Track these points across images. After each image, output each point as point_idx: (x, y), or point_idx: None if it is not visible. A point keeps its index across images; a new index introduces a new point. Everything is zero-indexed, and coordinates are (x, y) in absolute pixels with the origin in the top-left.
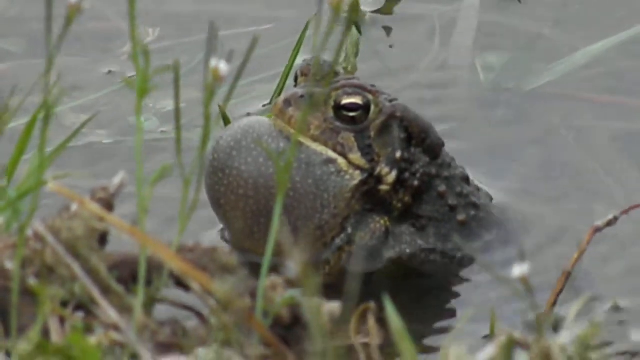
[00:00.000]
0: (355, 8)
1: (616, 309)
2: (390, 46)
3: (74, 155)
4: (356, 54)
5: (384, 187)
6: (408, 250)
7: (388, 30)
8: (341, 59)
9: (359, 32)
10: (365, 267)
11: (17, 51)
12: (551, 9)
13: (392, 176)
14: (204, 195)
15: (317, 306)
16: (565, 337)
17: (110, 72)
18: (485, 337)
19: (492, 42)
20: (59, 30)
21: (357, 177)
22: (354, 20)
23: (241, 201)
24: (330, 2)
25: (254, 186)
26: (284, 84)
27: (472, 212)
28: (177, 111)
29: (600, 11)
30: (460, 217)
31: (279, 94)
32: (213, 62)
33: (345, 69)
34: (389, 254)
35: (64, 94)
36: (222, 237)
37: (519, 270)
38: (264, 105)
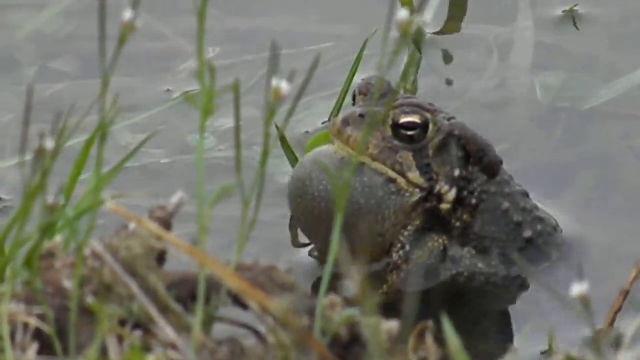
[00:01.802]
0: (418, 30)
1: None
2: (449, 61)
3: (131, 175)
4: (415, 74)
5: (444, 206)
6: (466, 274)
7: (446, 50)
8: (400, 79)
9: (419, 52)
10: (423, 286)
11: (71, 71)
12: (608, 29)
13: (452, 194)
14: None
15: (375, 325)
16: (624, 356)
17: (168, 90)
18: (543, 354)
19: (550, 63)
20: (114, 50)
21: (417, 194)
22: (418, 41)
23: (316, 222)
24: (400, 24)
25: (326, 209)
26: (342, 102)
27: (539, 227)
28: (237, 130)
29: None
30: (527, 233)
31: (337, 113)
32: (274, 82)
33: (404, 88)
34: (446, 276)
35: (119, 114)
36: (310, 254)
37: (578, 289)
38: (322, 123)
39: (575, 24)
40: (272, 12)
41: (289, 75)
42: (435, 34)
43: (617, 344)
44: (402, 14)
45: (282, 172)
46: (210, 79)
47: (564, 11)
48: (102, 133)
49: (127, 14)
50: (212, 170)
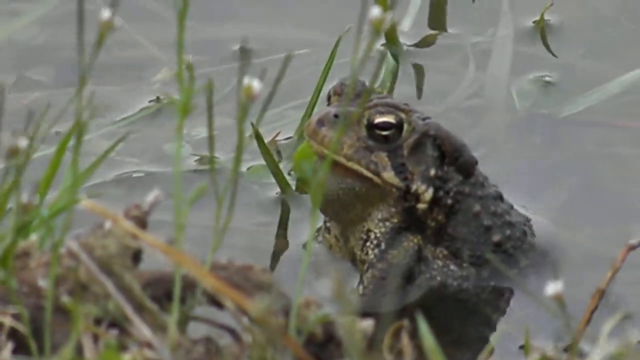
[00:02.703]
0: (393, 39)
1: None
2: (426, 71)
3: (106, 185)
4: (393, 82)
5: (421, 206)
6: (439, 278)
7: (424, 60)
8: (377, 85)
9: (397, 61)
10: (398, 287)
11: (46, 80)
12: (584, 38)
13: (428, 194)
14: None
15: (351, 324)
16: (597, 355)
17: (151, 101)
18: (518, 355)
19: (527, 71)
20: (91, 57)
21: (395, 193)
22: (392, 48)
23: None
24: (372, 22)
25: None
26: (313, 108)
27: (508, 232)
28: (211, 127)
29: (634, 39)
30: (496, 237)
31: (310, 115)
32: (246, 80)
33: (380, 93)
34: (420, 279)
35: (95, 113)
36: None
37: (553, 288)
38: (286, 139)
39: (543, 35)
40: (247, 19)
41: (261, 74)
42: (413, 45)
43: (593, 343)
44: (375, 11)
45: (262, 182)
46: (190, 79)
47: (534, 22)
48: (78, 129)
49: (105, 14)
50: (188, 179)
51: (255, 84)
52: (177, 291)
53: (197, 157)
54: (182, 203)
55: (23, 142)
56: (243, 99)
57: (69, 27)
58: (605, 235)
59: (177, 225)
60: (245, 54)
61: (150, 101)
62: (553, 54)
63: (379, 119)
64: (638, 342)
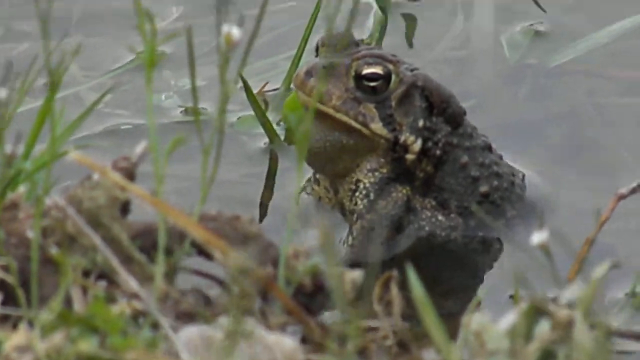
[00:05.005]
0: None
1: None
2: (414, 23)
3: (96, 139)
4: (381, 33)
5: (410, 156)
6: (427, 228)
7: (413, 10)
8: (366, 37)
9: (385, 13)
10: (387, 238)
11: (34, 32)
12: None
13: (417, 144)
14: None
15: (339, 274)
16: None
17: (141, 52)
18: (508, 303)
19: (517, 20)
20: (78, 12)
21: (384, 144)
22: (383, 6)
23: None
24: None
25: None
26: (300, 59)
27: (495, 182)
28: (194, 87)
29: None
30: (483, 188)
31: (296, 67)
32: (225, 28)
33: (368, 44)
34: (409, 230)
35: (86, 74)
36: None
37: (538, 237)
38: (274, 90)
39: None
40: None
41: (239, 20)
42: None
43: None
44: None
45: (250, 133)
46: (152, 31)
47: None
48: (52, 82)
49: None
50: (175, 131)
51: (235, 31)
52: (161, 241)
53: (183, 109)
54: (161, 154)
55: (2, 93)
56: (223, 46)
57: None
58: (594, 186)
59: (157, 176)
60: (223, 1)
61: (139, 52)
62: (541, 9)
63: (367, 70)
64: (625, 294)
